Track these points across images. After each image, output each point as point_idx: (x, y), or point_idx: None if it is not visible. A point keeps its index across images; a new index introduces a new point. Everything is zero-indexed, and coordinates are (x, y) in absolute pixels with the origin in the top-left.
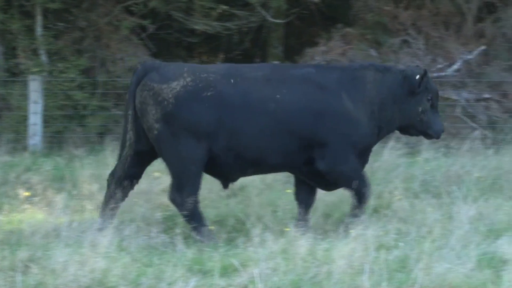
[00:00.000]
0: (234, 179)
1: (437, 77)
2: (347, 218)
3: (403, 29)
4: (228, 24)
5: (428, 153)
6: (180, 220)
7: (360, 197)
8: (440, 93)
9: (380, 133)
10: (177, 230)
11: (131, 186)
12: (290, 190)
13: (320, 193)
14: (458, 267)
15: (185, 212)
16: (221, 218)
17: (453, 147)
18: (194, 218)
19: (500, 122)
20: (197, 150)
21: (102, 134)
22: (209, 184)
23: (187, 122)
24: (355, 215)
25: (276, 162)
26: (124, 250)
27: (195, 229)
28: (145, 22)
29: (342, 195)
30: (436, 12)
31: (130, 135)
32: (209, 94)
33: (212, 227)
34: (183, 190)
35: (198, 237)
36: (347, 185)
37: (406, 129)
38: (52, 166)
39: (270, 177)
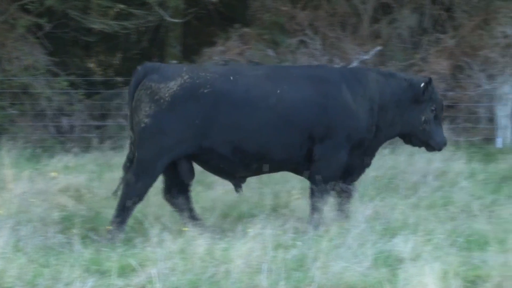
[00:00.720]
0: (241, 177)
1: None
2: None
3: (300, 29)
4: (125, 23)
5: None
6: (78, 220)
7: (320, 198)
8: None
9: (378, 135)
10: (75, 231)
11: (188, 187)
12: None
13: (218, 192)
14: (354, 266)
15: (123, 198)
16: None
17: None
18: (122, 213)
19: None
20: (177, 147)
21: None
22: (107, 185)
23: (179, 119)
24: (316, 210)
25: (280, 158)
26: (20, 251)
27: (112, 222)
28: (42, 21)
29: (240, 195)
30: (332, 13)
31: (131, 134)
32: (205, 91)
33: (109, 227)
34: (140, 177)
35: (108, 234)
36: (322, 177)
37: (409, 138)
38: None
39: None
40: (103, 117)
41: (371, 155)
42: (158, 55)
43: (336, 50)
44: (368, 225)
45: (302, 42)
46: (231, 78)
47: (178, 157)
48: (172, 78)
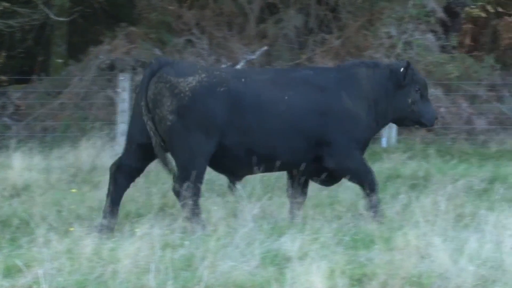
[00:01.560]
0: (242, 175)
1: None
2: (366, 211)
3: (187, 28)
4: (10, 22)
5: None
6: None
7: (369, 185)
8: None
9: (377, 127)
10: None
11: (133, 179)
12: (75, 190)
13: (105, 192)
14: (242, 265)
15: (186, 204)
16: (4, 218)
17: None
18: (194, 215)
19: None
20: (207, 143)
21: None
22: None
23: (201, 116)
24: (373, 206)
25: (286, 160)
26: None
27: (190, 220)
28: None
29: (129, 195)
30: (219, 13)
31: (149, 125)
32: (222, 89)
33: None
34: (187, 181)
35: (192, 228)
36: (356, 179)
37: (401, 121)
38: None
39: (54, 176)
40: None
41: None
42: (44, 54)
43: (223, 50)
44: (256, 225)
45: (189, 41)
46: (243, 80)
47: (209, 156)
48: (189, 73)
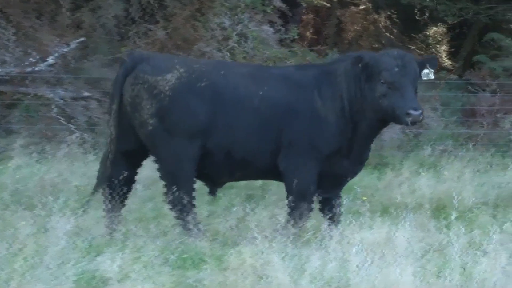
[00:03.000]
0: (222, 183)
1: (30, 72)
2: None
3: None
4: None
5: (20, 159)
6: None
7: (299, 212)
8: (33, 90)
9: (358, 128)
10: None
11: (127, 191)
12: None
13: None
14: None
15: (180, 216)
16: None
17: (48, 152)
18: (184, 225)
19: (101, 124)
20: (192, 147)
21: None
22: None
23: (183, 116)
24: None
25: (262, 165)
26: None
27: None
28: None
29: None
30: None
31: (112, 130)
32: (203, 85)
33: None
34: (177, 190)
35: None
36: (293, 192)
37: (390, 119)
38: None
39: None
40: None
41: (365, 147)
42: None
43: (32, 42)
44: (69, 242)
45: None
46: (222, 72)
47: (196, 160)
48: (167, 70)
